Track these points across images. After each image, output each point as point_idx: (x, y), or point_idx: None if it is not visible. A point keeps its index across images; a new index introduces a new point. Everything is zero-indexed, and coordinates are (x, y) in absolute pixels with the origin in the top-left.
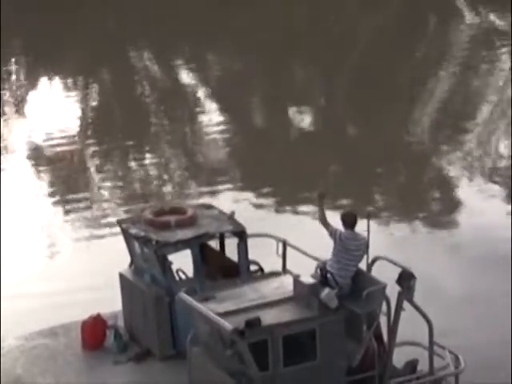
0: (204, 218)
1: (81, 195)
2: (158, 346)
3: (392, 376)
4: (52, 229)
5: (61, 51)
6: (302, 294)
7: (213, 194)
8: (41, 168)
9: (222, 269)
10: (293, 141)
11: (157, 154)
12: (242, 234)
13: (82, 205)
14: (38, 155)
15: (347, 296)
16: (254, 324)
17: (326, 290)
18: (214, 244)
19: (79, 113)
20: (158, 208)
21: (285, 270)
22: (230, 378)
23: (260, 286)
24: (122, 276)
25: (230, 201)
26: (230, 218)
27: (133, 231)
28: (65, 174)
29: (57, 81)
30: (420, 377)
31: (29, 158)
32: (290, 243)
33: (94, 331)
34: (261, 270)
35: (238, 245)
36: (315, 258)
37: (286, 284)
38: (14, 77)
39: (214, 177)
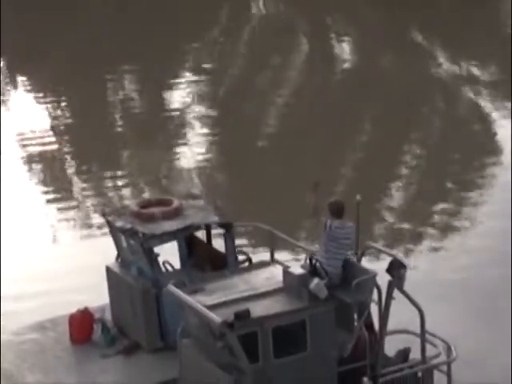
0: (190, 209)
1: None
2: (145, 339)
3: (384, 365)
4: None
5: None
6: (292, 284)
7: None
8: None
9: (209, 260)
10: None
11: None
12: (228, 225)
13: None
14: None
15: (337, 286)
16: (243, 316)
17: (316, 281)
18: (200, 235)
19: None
20: (144, 200)
21: (273, 260)
22: (220, 370)
23: (249, 276)
24: (108, 269)
25: None
26: (217, 208)
27: (119, 224)
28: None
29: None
30: (413, 365)
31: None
32: (278, 232)
33: (82, 325)
34: (249, 259)
35: (225, 236)
36: (303, 248)
37: (275, 274)
38: None
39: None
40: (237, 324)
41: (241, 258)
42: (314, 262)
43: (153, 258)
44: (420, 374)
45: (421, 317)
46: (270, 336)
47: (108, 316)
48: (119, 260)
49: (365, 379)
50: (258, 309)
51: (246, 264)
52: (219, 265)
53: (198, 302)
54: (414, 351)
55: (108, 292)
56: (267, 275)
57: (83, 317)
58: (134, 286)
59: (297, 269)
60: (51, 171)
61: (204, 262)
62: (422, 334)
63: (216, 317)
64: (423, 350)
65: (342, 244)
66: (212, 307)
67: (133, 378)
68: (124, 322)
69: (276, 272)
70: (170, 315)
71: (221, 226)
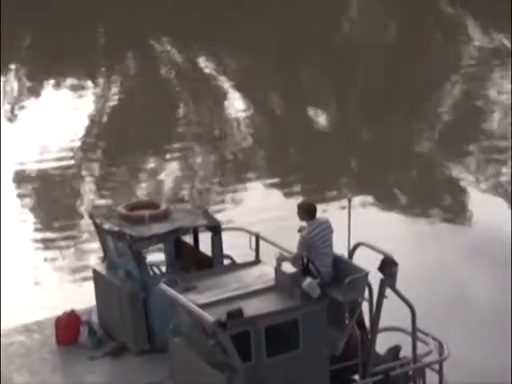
0: (178, 212)
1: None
2: (133, 341)
3: (376, 363)
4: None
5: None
6: (284, 283)
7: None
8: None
9: (196, 263)
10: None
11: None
12: (216, 229)
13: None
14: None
15: (329, 284)
16: (235, 315)
17: (308, 280)
18: (187, 239)
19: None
20: (132, 203)
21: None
22: (212, 369)
23: (241, 275)
24: (95, 272)
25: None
26: (205, 212)
27: (106, 226)
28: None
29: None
30: (404, 364)
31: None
32: (263, 237)
33: (68, 327)
34: (234, 264)
35: (213, 239)
36: (289, 251)
37: (266, 272)
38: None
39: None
40: (229, 323)
41: (226, 262)
42: (305, 261)
43: (141, 261)
44: (411, 372)
45: (412, 314)
46: (262, 335)
47: (94, 318)
48: (105, 262)
49: (356, 377)
50: (251, 308)
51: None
52: (206, 268)
53: (191, 300)
54: (405, 348)
55: (94, 294)
56: (258, 273)
57: (70, 319)
58: (121, 288)
59: (289, 267)
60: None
61: (191, 265)
62: (414, 332)
63: (209, 316)
64: (414, 348)
65: (325, 239)
66: (204, 306)
67: (120, 379)
68: (111, 324)
69: (267, 270)
70: (158, 318)
71: (209, 229)
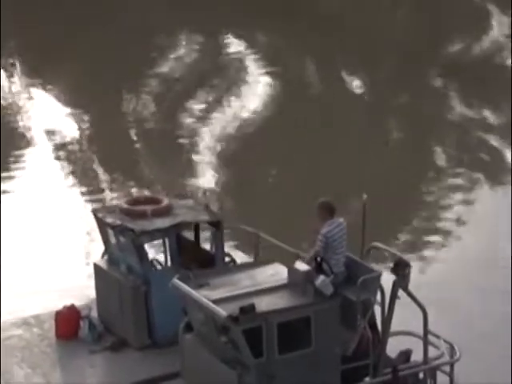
0: (180, 207)
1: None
2: (133, 336)
3: (386, 366)
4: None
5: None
6: (297, 281)
7: None
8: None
9: (196, 259)
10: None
11: None
12: (218, 224)
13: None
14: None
15: (342, 284)
16: (248, 310)
17: (322, 277)
18: (188, 235)
19: None
20: (133, 198)
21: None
22: (223, 365)
23: (254, 273)
24: (96, 266)
25: None
26: (206, 207)
27: (109, 220)
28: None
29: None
30: (414, 366)
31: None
32: (263, 235)
33: (68, 321)
34: (233, 261)
35: (214, 235)
36: (290, 250)
37: (280, 271)
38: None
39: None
40: (242, 318)
41: (226, 259)
42: (318, 259)
43: (143, 255)
44: (422, 376)
45: (424, 317)
46: (274, 331)
47: (94, 313)
48: (106, 257)
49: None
50: (263, 304)
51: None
52: (207, 264)
53: (203, 296)
54: (417, 353)
55: (95, 289)
56: (272, 272)
57: (69, 313)
58: (123, 282)
59: (302, 265)
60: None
61: (191, 261)
62: (425, 335)
63: (221, 310)
64: (425, 350)
65: (341, 240)
66: (217, 301)
67: (120, 374)
68: (111, 318)
69: (280, 269)
70: (159, 312)
71: (211, 224)
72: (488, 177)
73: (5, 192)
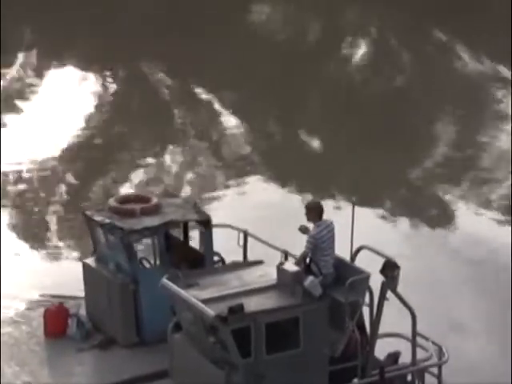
0: (168, 206)
1: None
2: (121, 334)
3: (374, 368)
4: None
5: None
6: (286, 281)
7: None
8: None
9: (185, 258)
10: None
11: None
12: (207, 223)
13: None
14: None
15: (330, 285)
16: (236, 310)
17: (310, 278)
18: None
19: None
20: (122, 196)
21: (244, 262)
22: (211, 365)
23: (243, 273)
24: (85, 264)
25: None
26: (195, 206)
27: (98, 218)
28: None
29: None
30: (402, 367)
31: None
32: (252, 234)
33: (57, 319)
34: (222, 260)
35: (203, 234)
36: (277, 249)
37: (268, 272)
38: None
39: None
40: (230, 318)
41: (214, 258)
42: (307, 260)
43: (132, 254)
44: (410, 378)
45: (412, 319)
46: (263, 331)
47: (82, 311)
48: (95, 255)
49: (355, 380)
50: (252, 304)
51: (220, 265)
52: (195, 263)
53: (192, 296)
54: (405, 356)
55: (84, 287)
56: (261, 272)
57: (58, 311)
58: (111, 281)
59: (291, 266)
60: None
61: (180, 259)
62: (413, 337)
63: (210, 310)
64: (414, 351)
65: (329, 241)
66: (206, 301)
67: (108, 371)
68: (99, 317)
69: (269, 270)
70: (147, 311)
71: (199, 222)
72: None
73: None
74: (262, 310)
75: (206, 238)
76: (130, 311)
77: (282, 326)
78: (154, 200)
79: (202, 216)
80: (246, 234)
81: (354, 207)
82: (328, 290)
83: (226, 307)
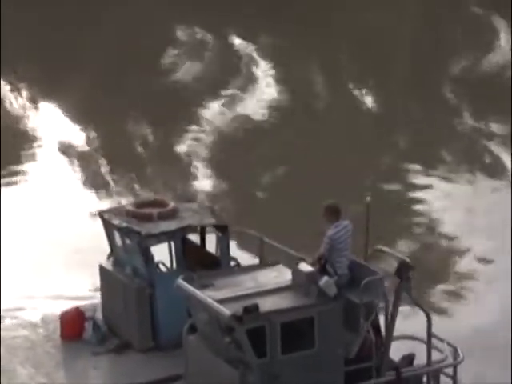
0: (185, 211)
1: None
2: (137, 338)
3: (389, 368)
4: None
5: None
6: (301, 282)
7: None
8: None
9: (202, 262)
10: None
11: None
12: (224, 228)
13: None
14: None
15: (345, 286)
16: (252, 310)
17: (325, 278)
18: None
19: None
20: (139, 200)
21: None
22: (226, 365)
23: (258, 274)
24: (102, 268)
25: None
26: (212, 211)
27: (115, 222)
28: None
29: None
30: (417, 369)
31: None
32: (267, 240)
33: (73, 323)
34: (238, 265)
35: (220, 239)
36: (293, 255)
37: (284, 273)
38: None
39: None
40: (246, 317)
41: (231, 263)
42: (323, 261)
43: (149, 258)
44: (425, 379)
45: (428, 320)
46: (278, 331)
47: (99, 315)
48: (112, 259)
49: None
50: (267, 304)
51: None
52: (212, 268)
53: (208, 296)
54: (420, 358)
55: (100, 290)
56: (276, 273)
57: (75, 314)
58: (128, 285)
59: (306, 266)
60: None
61: (197, 264)
62: (429, 338)
63: (225, 310)
64: (429, 352)
65: (346, 242)
66: (221, 301)
67: (123, 376)
68: (115, 320)
69: (284, 271)
70: (163, 315)
71: (217, 228)
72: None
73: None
74: (276, 309)
75: (223, 243)
76: (146, 315)
77: (296, 326)
78: (172, 204)
79: (219, 221)
80: (262, 240)
81: (368, 206)
82: (343, 292)
83: (241, 307)
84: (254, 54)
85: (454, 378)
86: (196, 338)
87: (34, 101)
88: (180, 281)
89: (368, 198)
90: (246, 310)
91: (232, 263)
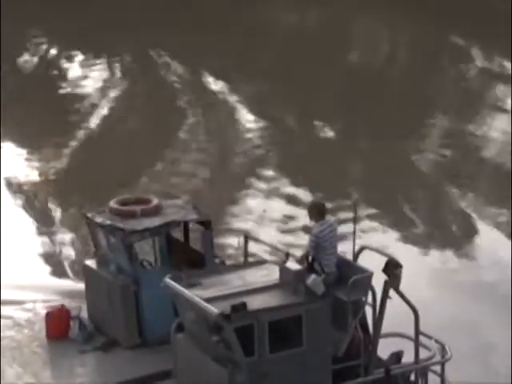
0: (169, 207)
1: None
2: (124, 336)
3: (377, 366)
4: None
5: None
6: (289, 280)
7: None
8: None
9: (186, 259)
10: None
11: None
12: (207, 223)
13: None
14: None
15: (333, 284)
16: (239, 308)
17: (313, 276)
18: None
19: None
20: (123, 198)
21: (246, 263)
22: (214, 363)
23: (245, 273)
24: (86, 267)
25: None
26: (195, 207)
27: (99, 220)
28: None
29: None
30: (405, 366)
31: None
32: (251, 235)
33: (59, 322)
34: (222, 262)
35: (204, 234)
36: (278, 249)
37: (271, 272)
38: None
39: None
40: (233, 316)
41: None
42: (310, 259)
43: (133, 255)
44: (413, 377)
45: (415, 317)
46: (266, 330)
47: (84, 313)
48: (96, 257)
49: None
50: (255, 303)
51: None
52: (196, 264)
53: (195, 295)
54: (408, 355)
55: (85, 289)
56: (263, 272)
57: (60, 314)
58: (112, 282)
59: (293, 265)
60: None
61: (181, 260)
62: (416, 335)
63: (213, 308)
64: (417, 350)
65: (332, 240)
66: (209, 300)
67: (110, 373)
68: (101, 319)
69: (272, 270)
70: (149, 312)
71: (200, 223)
72: None
73: None
74: (264, 308)
75: (207, 239)
76: (132, 312)
77: (284, 325)
78: (155, 201)
79: (203, 216)
80: (246, 236)
81: (355, 207)
82: (331, 289)
83: (229, 306)
84: None
85: (441, 375)
86: (184, 336)
87: None
88: (167, 280)
89: (355, 200)
90: (234, 308)
91: (216, 260)
